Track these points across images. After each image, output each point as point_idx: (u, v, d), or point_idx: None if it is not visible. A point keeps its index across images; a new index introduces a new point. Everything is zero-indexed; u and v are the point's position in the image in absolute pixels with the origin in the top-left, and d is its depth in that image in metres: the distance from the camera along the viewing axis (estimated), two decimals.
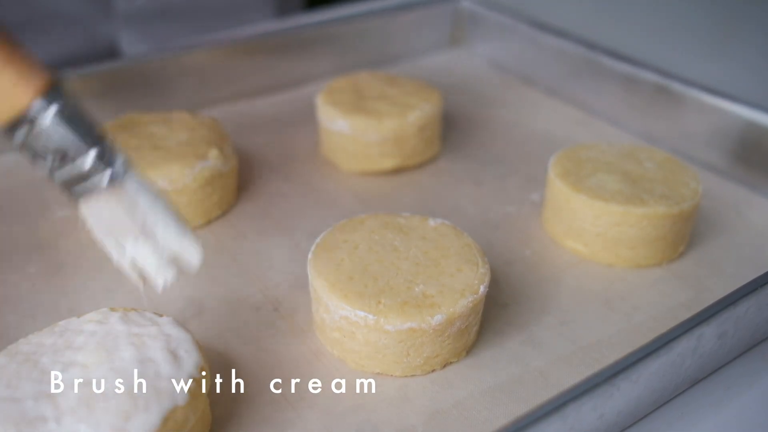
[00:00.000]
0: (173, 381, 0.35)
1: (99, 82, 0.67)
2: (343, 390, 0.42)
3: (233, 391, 0.42)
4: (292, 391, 0.42)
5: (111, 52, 0.81)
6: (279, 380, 0.42)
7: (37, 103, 0.37)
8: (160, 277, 0.39)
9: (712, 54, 0.92)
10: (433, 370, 0.43)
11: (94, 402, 0.34)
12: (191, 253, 0.39)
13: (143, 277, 0.39)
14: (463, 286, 0.42)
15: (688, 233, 0.53)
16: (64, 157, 0.37)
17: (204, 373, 0.37)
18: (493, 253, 0.53)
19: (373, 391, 0.42)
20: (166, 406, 0.34)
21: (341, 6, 0.90)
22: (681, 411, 0.42)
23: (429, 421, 0.40)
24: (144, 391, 0.35)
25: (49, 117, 0.37)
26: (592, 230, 0.51)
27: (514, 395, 0.42)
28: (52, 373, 0.36)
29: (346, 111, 0.61)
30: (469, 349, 0.45)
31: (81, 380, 0.35)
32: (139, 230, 0.38)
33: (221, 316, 0.47)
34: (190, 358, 0.37)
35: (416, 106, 0.62)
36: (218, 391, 0.41)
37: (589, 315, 0.48)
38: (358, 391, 0.42)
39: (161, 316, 0.40)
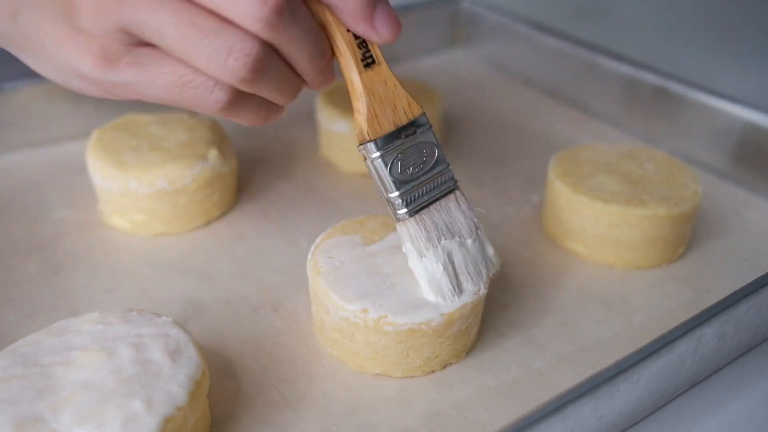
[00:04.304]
0: (173, 382, 0.35)
1: None
2: (342, 391, 0.42)
3: (233, 391, 0.42)
4: (292, 391, 0.42)
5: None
6: (279, 381, 0.42)
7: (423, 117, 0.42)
8: (479, 278, 0.43)
9: (712, 55, 0.92)
10: (432, 371, 0.43)
11: (94, 403, 0.34)
12: (495, 256, 0.44)
13: (457, 285, 0.42)
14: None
15: (688, 234, 0.53)
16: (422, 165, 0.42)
17: (203, 374, 0.37)
18: None
19: (373, 392, 0.42)
20: (166, 407, 0.34)
21: None
22: (681, 412, 0.42)
23: (429, 422, 0.40)
24: (143, 391, 0.35)
25: (422, 130, 0.42)
26: (592, 231, 0.51)
27: (514, 396, 0.42)
28: (52, 373, 0.35)
29: (345, 112, 0.61)
30: (469, 350, 0.45)
31: (80, 381, 0.35)
32: (458, 239, 0.42)
33: (221, 317, 0.47)
34: (190, 358, 0.37)
35: None
36: (218, 392, 0.41)
37: (589, 316, 0.48)
38: (357, 392, 0.42)
39: (161, 316, 0.40)
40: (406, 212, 0.41)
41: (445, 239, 0.41)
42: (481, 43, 0.86)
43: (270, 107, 0.43)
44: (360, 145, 0.41)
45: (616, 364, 0.37)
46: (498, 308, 0.48)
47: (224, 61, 0.36)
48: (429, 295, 0.41)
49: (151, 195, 0.53)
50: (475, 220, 0.43)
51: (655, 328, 0.46)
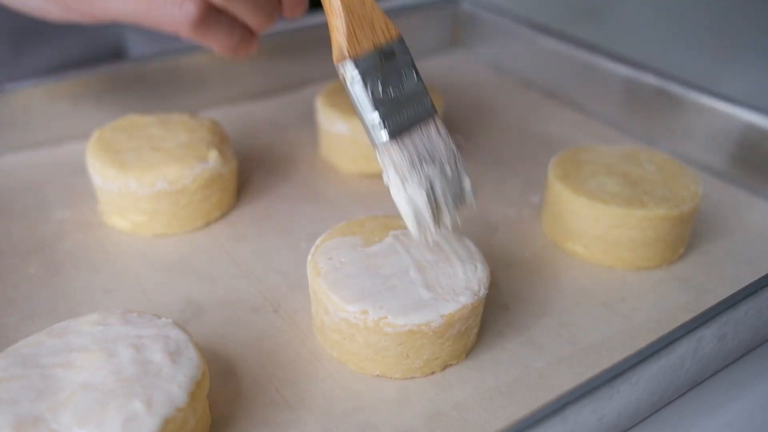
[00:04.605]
0: (173, 382, 0.35)
1: (99, 84, 0.67)
2: (342, 392, 0.42)
3: (233, 392, 0.42)
4: (292, 392, 0.42)
5: (119, 55, 0.81)
6: (279, 382, 0.42)
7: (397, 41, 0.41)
8: (456, 210, 0.42)
9: (712, 55, 0.92)
10: (432, 372, 0.43)
11: (94, 404, 0.34)
12: (473, 189, 0.43)
13: (437, 216, 0.41)
14: (462, 288, 0.42)
15: (688, 235, 0.53)
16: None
17: (204, 375, 0.37)
18: (492, 255, 0.53)
19: (373, 392, 0.42)
20: (166, 408, 0.34)
21: None
22: (681, 413, 0.42)
23: (429, 423, 0.40)
24: (143, 392, 0.35)
25: (400, 53, 0.41)
26: (592, 232, 0.51)
27: (514, 397, 0.42)
28: (52, 374, 0.35)
29: (345, 113, 0.61)
30: (469, 351, 0.45)
31: (80, 381, 0.35)
32: (438, 166, 0.41)
33: (221, 318, 0.47)
34: (190, 359, 0.37)
35: None
36: (218, 392, 0.41)
37: (589, 317, 0.48)
38: (357, 392, 0.42)
39: (161, 317, 0.40)
40: (387, 137, 0.40)
41: (427, 165, 0.40)
42: (481, 45, 0.86)
43: (243, 34, 0.42)
44: (338, 63, 0.40)
45: (616, 365, 0.37)
46: (498, 309, 0.48)
47: None
48: (410, 225, 0.41)
49: (151, 196, 0.53)
50: (454, 148, 0.42)
51: (655, 329, 0.46)
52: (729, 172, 0.63)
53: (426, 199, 0.40)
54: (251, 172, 0.63)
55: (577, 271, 0.52)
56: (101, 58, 0.73)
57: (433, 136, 0.41)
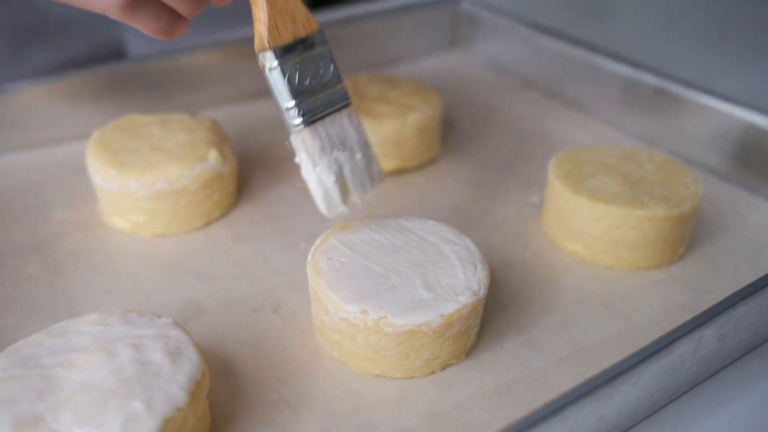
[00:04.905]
0: (173, 382, 0.35)
1: (99, 84, 0.67)
2: (342, 392, 0.42)
3: (233, 392, 0.42)
4: (292, 392, 0.42)
5: (118, 54, 0.81)
6: (278, 382, 0.42)
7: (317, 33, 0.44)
8: (364, 192, 0.46)
9: (712, 55, 0.92)
10: (432, 372, 0.43)
11: (94, 404, 0.34)
12: (380, 173, 0.47)
13: (345, 196, 0.45)
14: (462, 288, 0.42)
15: (688, 235, 0.53)
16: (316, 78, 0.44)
17: (203, 375, 0.37)
18: (492, 254, 0.53)
19: (373, 392, 0.42)
20: (166, 408, 0.34)
21: (341, 8, 0.90)
22: (681, 413, 0.42)
23: (428, 423, 0.40)
24: (143, 392, 0.35)
25: (319, 45, 0.44)
26: (592, 232, 0.51)
27: (513, 397, 0.42)
28: (52, 374, 0.35)
29: None
30: (469, 351, 0.45)
31: (80, 381, 0.35)
32: (348, 152, 0.45)
33: (221, 318, 0.47)
34: (190, 359, 0.37)
35: (416, 107, 0.62)
36: (218, 392, 0.41)
37: (588, 317, 0.48)
38: (357, 392, 0.42)
39: (161, 317, 0.40)
40: (301, 122, 0.43)
41: (336, 151, 0.44)
42: (481, 44, 0.86)
43: (172, 18, 0.44)
44: (259, 53, 0.42)
45: (615, 365, 0.37)
46: (498, 309, 0.48)
47: None
48: (319, 203, 0.44)
49: (151, 195, 0.53)
50: (365, 136, 0.46)
51: (655, 329, 0.46)
52: (729, 172, 0.63)
53: (333, 181, 0.44)
54: (251, 172, 0.63)
55: (577, 271, 0.52)
56: (101, 58, 0.73)
57: (345, 124, 0.45)
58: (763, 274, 0.43)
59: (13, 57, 0.73)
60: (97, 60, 0.69)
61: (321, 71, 0.44)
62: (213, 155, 0.54)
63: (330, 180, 0.44)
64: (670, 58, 0.82)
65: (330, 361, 0.44)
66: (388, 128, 0.60)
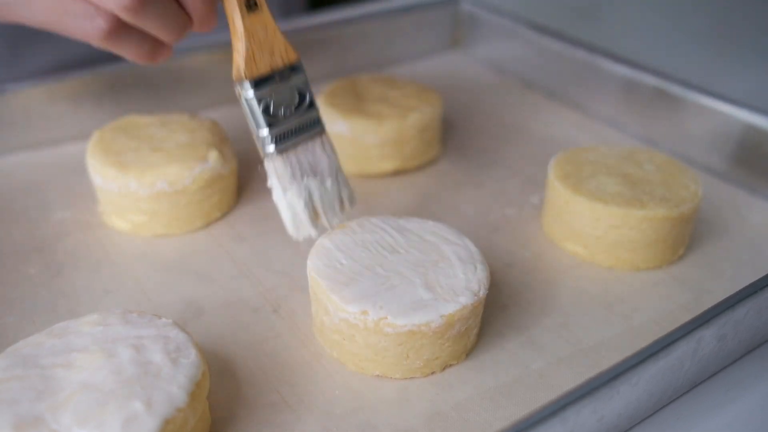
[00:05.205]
0: (173, 383, 0.35)
1: (99, 84, 0.67)
2: (342, 392, 0.42)
3: (233, 393, 0.42)
4: (292, 393, 0.42)
5: (116, 55, 0.81)
6: (279, 382, 0.42)
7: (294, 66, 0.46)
8: (333, 216, 0.47)
9: (712, 55, 0.92)
10: (432, 373, 0.43)
11: (94, 404, 0.34)
12: (351, 198, 0.49)
13: (315, 221, 0.46)
14: (462, 289, 0.42)
15: (688, 236, 0.53)
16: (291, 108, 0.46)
17: (203, 375, 0.37)
18: (492, 255, 0.53)
19: (373, 393, 0.42)
20: (166, 409, 0.34)
21: (342, 8, 0.90)
22: (680, 414, 0.42)
23: (428, 424, 0.40)
24: (143, 392, 0.35)
25: (296, 75, 0.46)
26: (592, 233, 0.51)
27: (513, 397, 0.42)
28: (52, 374, 0.35)
29: (345, 113, 0.61)
30: (469, 352, 0.45)
31: (80, 382, 0.35)
32: (319, 179, 0.46)
33: (221, 318, 0.47)
34: (190, 359, 0.37)
35: (416, 108, 0.62)
36: (218, 393, 0.41)
37: (588, 317, 0.48)
38: (357, 393, 0.42)
39: (161, 317, 0.40)
40: (274, 149, 0.45)
41: (307, 177, 0.45)
42: (481, 45, 0.86)
43: (155, 45, 0.44)
44: (236, 82, 0.44)
45: (615, 365, 0.37)
46: (498, 309, 0.48)
47: None
48: (288, 226, 0.46)
49: (151, 196, 0.53)
50: (337, 163, 0.48)
51: (655, 330, 0.46)
52: (729, 172, 0.63)
53: (303, 206, 0.45)
54: (251, 172, 0.63)
55: (577, 271, 0.52)
56: (101, 58, 0.73)
57: (317, 151, 0.47)
58: (763, 274, 0.43)
59: (13, 57, 0.74)
60: (96, 60, 0.69)
61: (296, 100, 0.46)
62: (213, 156, 0.54)
63: (299, 205, 0.45)
64: (670, 58, 0.82)
65: (330, 362, 0.44)
66: (389, 128, 0.60)
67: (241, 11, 0.43)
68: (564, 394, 0.35)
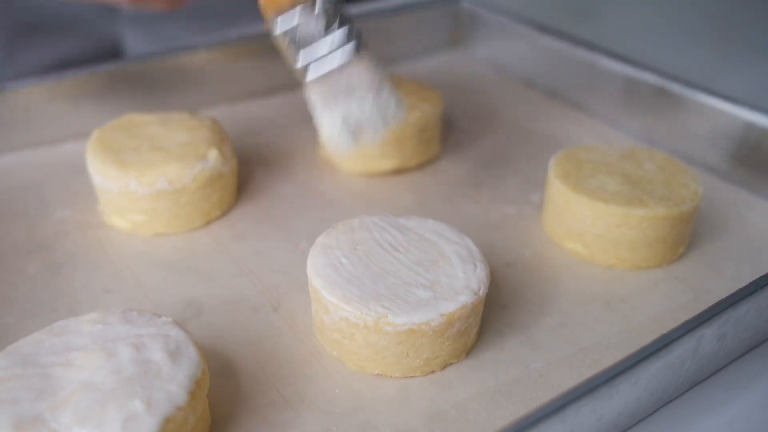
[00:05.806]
0: (173, 382, 0.35)
1: (99, 83, 0.67)
2: (342, 391, 0.42)
3: (233, 392, 0.42)
4: (292, 392, 0.42)
5: (116, 53, 0.81)
6: (278, 381, 0.42)
7: None
8: (378, 131, 0.48)
9: (712, 55, 0.92)
10: (432, 372, 0.43)
11: (94, 403, 0.34)
12: (398, 108, 0.49)
13: (357, 136, 0.48)
14: (462, 288, 0.42)
15: (688, 235, 0.53)
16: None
17: (203, 374, 0.37)
18: (492, 254, 0.53)
19: (373, 392, 0.42)
20: (166, 408, 0.34)
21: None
22: (681, 413, 0.42)
23: (428, 423, 0.40)
24: (143, 391, 0.35)
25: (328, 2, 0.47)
26: (592, 231, 0.51)
27: (513, 397, 0.42)
28: (52, 373, 0.35)
29: None
30: (469, 351, 0.45)
31: (80, 381, 0.35)
32: (357, 98, 0.47)
33: (221, 317, 0.47)
34: (190, 358, 0.37)
35: (416, 106, 0.62)
36: (218, 392, 0.41)
37: (588, 316, 0.48)
38: (357, 392, 0.42)
39: (160, 316, 0.40)
40: (310, 76, 0.46)
41: (348, 97, 0.47)
42: (481, 44, 0.86)
43: None
44: (270, 18, 0.46)
45: (615, 364, 0.37)
46: (498, 308, 0.48)
47: None
48: (331, 145, 0.48)
49: (151, 195, 0.53)
50: (380, 76, 0.48)
51: (655, 329, 0.46)
52: (729, 171, 0.63)
53: (340, 127, 0.47)
54: (251, 172, 0.63)
55: (577, 270, 0.52)
56: (99, 56, 0.73)
57: (355, 73, 0.47)
58: (763, 273, 0.43)
59: (11, 55, 0.74)
60: (94, 58, 0.69)
61: (328, 28, 0.46)
62: (213, 154, 0.54)
63: (338, 126, 0.47)
64: (670, 58, 0.82)
65: (330, 361, 0.44)
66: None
67: None
68: (564, 393, 0.35)
